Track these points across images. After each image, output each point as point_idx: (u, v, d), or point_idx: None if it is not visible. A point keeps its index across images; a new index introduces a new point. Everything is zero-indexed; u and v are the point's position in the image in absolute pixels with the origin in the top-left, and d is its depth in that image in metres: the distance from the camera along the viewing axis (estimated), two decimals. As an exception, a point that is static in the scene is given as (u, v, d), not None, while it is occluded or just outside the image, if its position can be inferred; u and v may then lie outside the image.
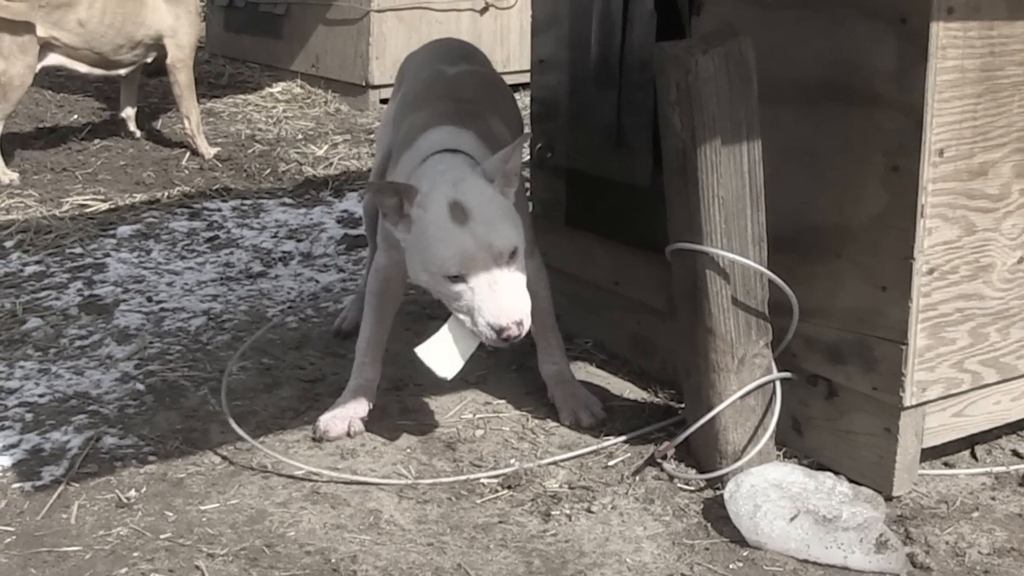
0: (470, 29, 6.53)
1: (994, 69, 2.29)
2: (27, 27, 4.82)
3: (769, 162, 2.39)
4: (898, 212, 2.29)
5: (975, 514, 2.38)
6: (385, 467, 2.55)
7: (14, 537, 2.27)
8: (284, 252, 4.07)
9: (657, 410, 2.80)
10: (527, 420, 2.78)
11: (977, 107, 2.29)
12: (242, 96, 6.54)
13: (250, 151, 5.49)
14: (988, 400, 2.49)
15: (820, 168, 2.43)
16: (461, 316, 2.39)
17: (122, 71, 5.35)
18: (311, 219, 4.46)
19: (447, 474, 2.52)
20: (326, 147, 5.59)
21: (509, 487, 2.45)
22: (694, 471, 2.49)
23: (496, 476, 2.49)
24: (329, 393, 2.85)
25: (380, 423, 2.73)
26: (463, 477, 2.50)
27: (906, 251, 2.28)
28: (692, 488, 2.46)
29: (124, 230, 4.25)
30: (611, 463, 2.56)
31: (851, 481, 2.36)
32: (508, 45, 6.77)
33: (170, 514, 2.35)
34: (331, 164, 5.31)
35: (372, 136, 5.73)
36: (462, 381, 2.94)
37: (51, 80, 6.36)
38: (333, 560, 2.19)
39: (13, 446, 2.63)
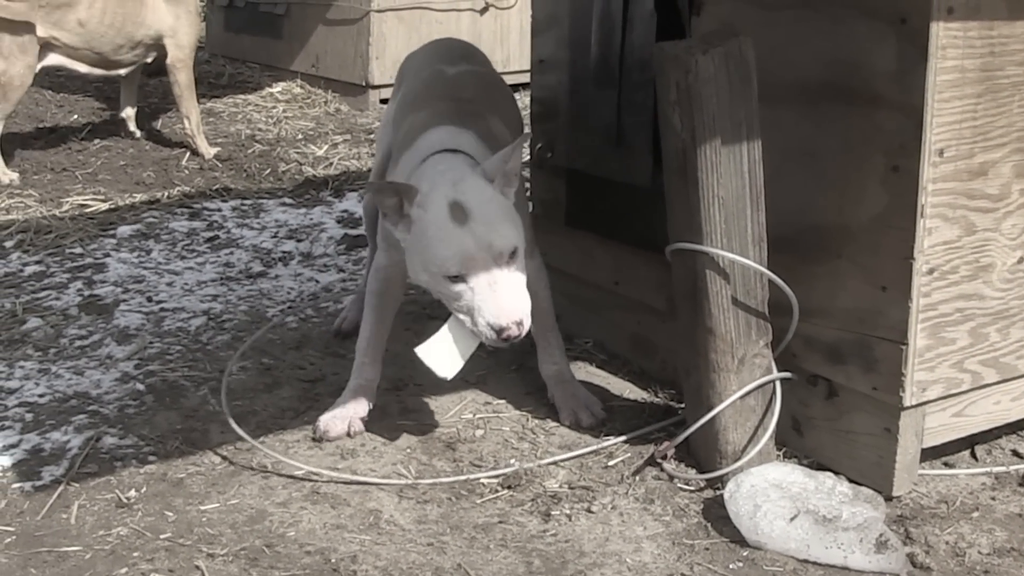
0: (470, 29, 6.53)
1: (994, 69, 2.29)
2: (27, 27, 4.82)
3: (769, 162, 2.39)
4: (898, 212, 2.29)
5: (975, 514, 2.38)
6: (385, 467, 2.55)
7: (14, 537, 2.27)
8: (284, 252, 4.07)
9: (657, 410, 2.80)
10: (527, 420, 2.78)
11: (977, 107, 2.29)
12: (242, 96, 6.54)
13: (250, 151, 5.49)
14: (988, 400, 2.49)
15: (820, 168, 2.43)
16: (461, 316, 2.39)
17: (122, 71, 5.35)
18: (311, 219, 4.46)
19: (447, 474, 2.52)
20: (326, 147, 5.59)
21: (509, 487, 2.45)
22: (694, 471, 2.49)
23: (496, 476, 2.49)
24: (329, 393, 2.85)
25: (380, 423, 2.73)
26: (463, 477, 2.50)
27: (906, 251, 2.28)
28: (692, 488, 2.46)
29: (124, 230, 4.25)
30: (611, 463, 2.56)
31: (851, 481, 2.36)
32: (508, 45, 6.77)
33: (170, 514, 2.35)
34: (331, 164, 5.31)
35: (372, 136, 5.73)
36: (462, 381, 2.94)
37: (51, 80, 6.36)
38: (333, 560, 2.19)
39: (13, 446, 2.63)
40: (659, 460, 2.52)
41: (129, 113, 5.66)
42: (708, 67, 2.29)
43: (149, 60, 5.37)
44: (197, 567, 2.16)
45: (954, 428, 2.46)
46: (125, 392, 2.91)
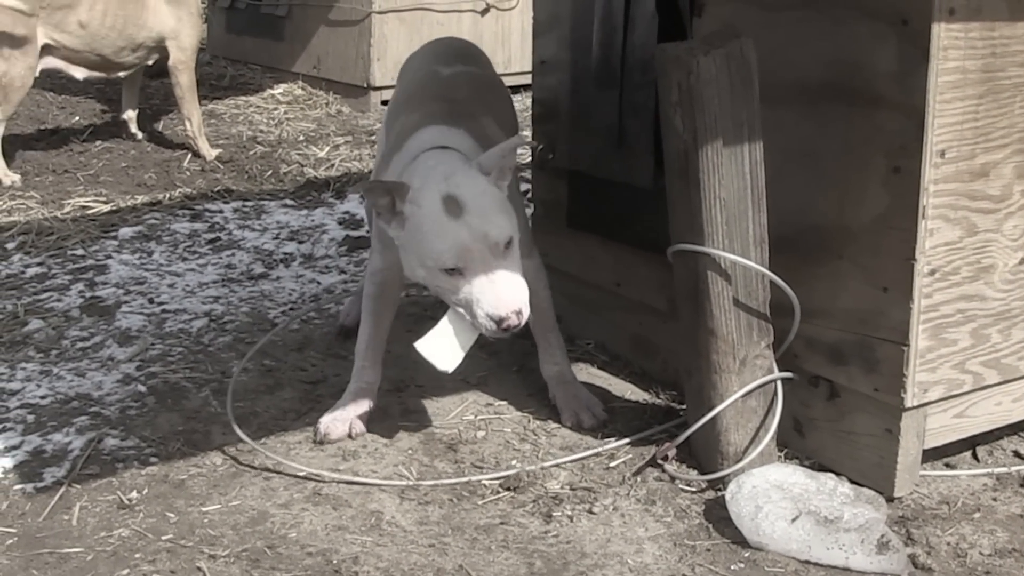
0: (471, 30, 6.52)
1: (995, 70, 2.29)
2: (28, 28, 4.82)
3: (770, 163, 2.39)
4: (899, 213, 2.29)
5: (976, 515, 2.38)
6: (386, 468, 2.55)
7: (16, 538, 2.27)
8: (286, 254, 4.07)
9: (658, 411, 2.80)
10: (528, 421, 2.78)
11: (978, 108, 2.29)
12: (243, 98, 6.54)
13: (251, 153, 5.49)
14: (989, 401, 2.49)
15: (821, 169, 2.43)
16: (459, 309, 2.39)
17: (122, 74, 5.35)
18: (312, 221, 4.46)
19: (448, 475, 2.52)
20: (327, 148, 5.59)
21: (510, 488, 2.45)
22: (695, 472, 2.49)
23: (498, 478, 2.49)
24: (331, 395, 2.85)
25: (381, 424, 2.73)
26: (465, 479, 2.50)
27: (907, 252, 2.28)
28: (693, 489, 2.46)
29: (126, 232, 4.25)
30: (612, 464, 2.56)
31: (852, 482, 2.36)
32: (509, 46, 6.76)
33: (172, 515, 2.35)
34: (332, 166, 5.31)
35: (373, 138, 5.73)
36: (463, 382, 2.94)
37: (52, 82, 6.36)
38: (335, 561, 2.19)
39: (15, 448, 2.63)
40: (660, 461, 2.52)
41: (131, 115, 5.66)
42: (710, 68, 2.29)
43: (151, 62, 5.38)
44: (199, 568, 2.16)
45: (955, 429, 2.46)
46: (127, 393, 2.91)
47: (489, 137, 2.67)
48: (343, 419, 2.67)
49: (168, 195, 4.77)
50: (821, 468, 2.47)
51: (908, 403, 2.34)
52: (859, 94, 2.33)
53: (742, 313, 2.40)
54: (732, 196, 2.34)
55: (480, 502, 2.42)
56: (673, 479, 2.49)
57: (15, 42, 4.78)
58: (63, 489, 2.44)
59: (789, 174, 2.47)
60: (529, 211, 3.34)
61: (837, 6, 2.36)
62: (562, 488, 2.46)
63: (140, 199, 4.72)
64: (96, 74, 5.25)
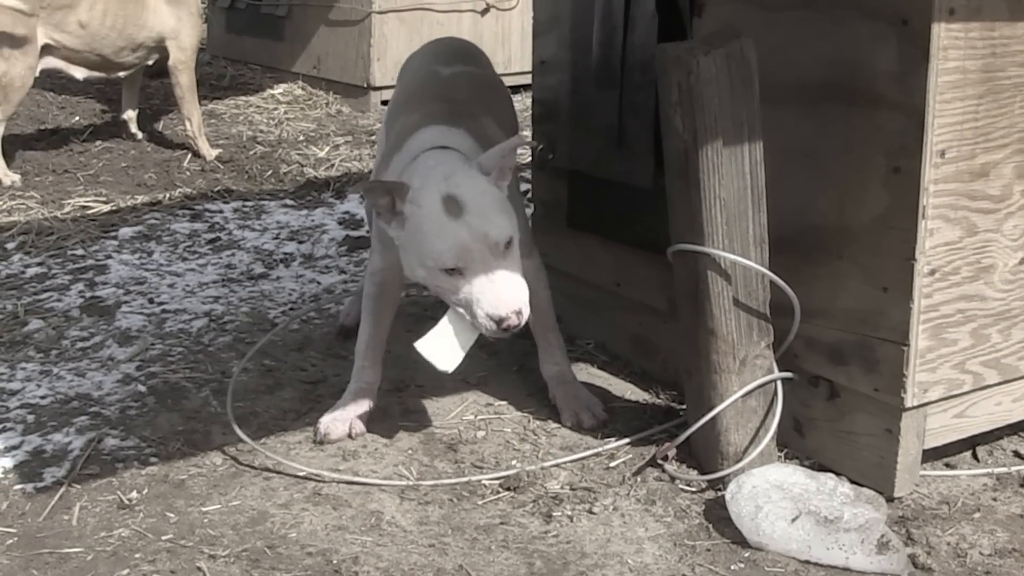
0: (471, 30, 6.52)
1: (995, 70, 2.29)
2: (28, 28, 4.82)
3: (770, 163, 2.39)
4: (899, 213, 2.29)
5: (976, 515, 2.38)
6: (386, 468, 2.55)
7: (16, 538, 2.27)
8: (286, 254, 4.07)
9: (659, 411, 2.80)
10: (528, 421, 2.78)
11: (978, 108, 2.29)
12: (243, 98, 6.54)
13: (251, 153, 5.50)
14: (989, 401, 2.49)
15: (821, 169, 2.43)
16: (459, 309, 2.39)
17: (122, 74, 5.35)
18: (312, 221, 4.46)
19: (448, 475, 2.52)
20: (327, 148, 5.59)
21: (510, 488, 2.45)
22: (695, 472, 2.49)
23: (498, 478, 2.49)
24: (331, 395, 2.85)
25: (381, 424, 2.73)
26: (465, 479, 2.50)
27: (907, 252, 2.28)
28: (693, 489, 2.46)
29: (126, 232, 4.26)
30: (612, 464, 2.56)
31: (852, 482, 2.36)
32: (509, 46, 6.76)
33: (172, 515, 2.35)
34: (332, 166, 5.31)
35: (373, 138, 5.73)
36: (463, 382, 2.94)
37: (52, 82, 6.36)
38: (335, 561, 2.19)
39: (15, 447, 2.64)
40: (660, 461, 2.52)
41: (131, 115, 5.66)
42: (710, 68, 2.29)
43: (151, 62, 5.38)
44: (199, 568, 2.16)
45: (955, 429, 2.46)
46: (127, 393, 2.91)
47: (489, 137, 2.67)
48: (343, 419, 2.67)
49: (168, 195, 4.77)
50: (821, 468, 2.47)
51: (908, 403, 2.34)
52: (859, 94, 2.33)
53: (742, 313, 2.40)
54: (732, 196, 2.34)
55: (480, 502, 2.42)
56: (673, 479, 2.49)
57: (15, 42, 4.78)
58: (63, 489, 2.45)
59: (789, 174, 2.47)
60: (529, 211, 3.34)
61: (837, 6, 2.36)
62: (562, 488, 2.46)
63: (140, 199, 4.72)
64: (96, 74, 5.25)
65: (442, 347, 2.45)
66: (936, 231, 2.28)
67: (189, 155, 5.37)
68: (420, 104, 2.73)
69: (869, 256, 2.35)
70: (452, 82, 2.85)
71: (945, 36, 2.20)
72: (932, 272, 2.30)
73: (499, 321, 2.32)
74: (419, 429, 2.73)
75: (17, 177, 4.91)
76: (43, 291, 3.66)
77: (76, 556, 2.21)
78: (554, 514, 2.36)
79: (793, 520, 2.21)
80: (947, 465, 2.57)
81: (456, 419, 2.79)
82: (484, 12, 6.68)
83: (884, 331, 2.34)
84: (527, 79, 3.69)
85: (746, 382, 2.41)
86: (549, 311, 2.82)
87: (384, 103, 6.21)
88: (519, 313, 2.33)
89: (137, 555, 2.21)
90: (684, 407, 2.66)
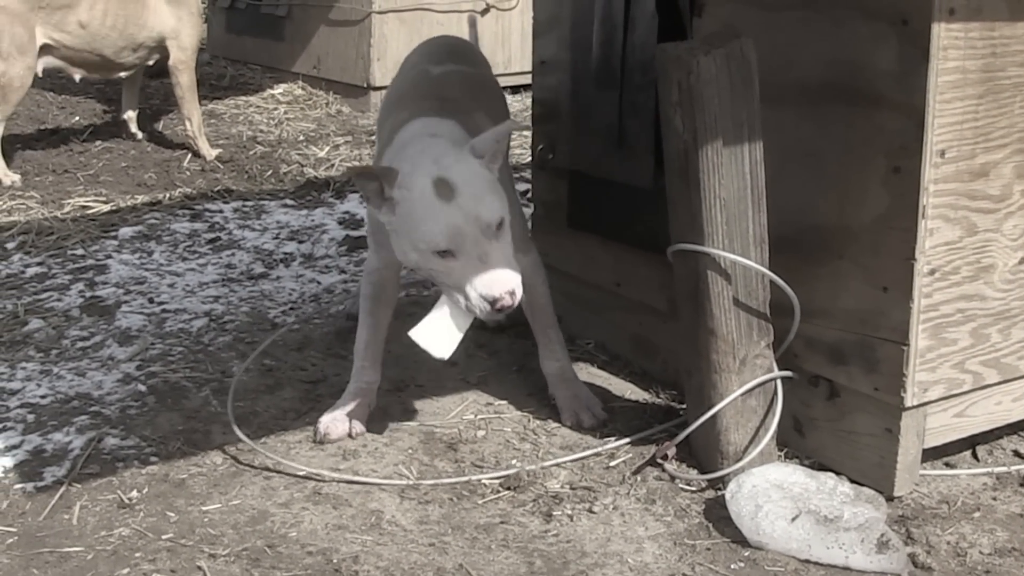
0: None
1: (995, 70, 2.29)
2: (27, 28, 4.82)
3: (771, 163, 2.39)
4: (900, 213, 2.29)
5: (976, 514, 2.38)
6: (387, 468, 2.55)
7: (16, 538, 2.27)
8: (286, 253, 4.07)
9: (659, 411, 2.81)
10: (528, 421, 2.78)
11: (978, 108, 2.29)
12: (244, 98, 6.54)
13: (251, 152, 5.50)
14: (989, 400, 2.49)
15: (821, 169, 2.43)
16: (453, 292, 2.38)
17: (123, 74, 5.35)
18: (312, 220, 4.46)
19: (448, 475, 2.52)
20: (327, 148, 5.59)
21: (510, 488, 2.45)
22: (695, 472, 2.49)
23: (498, 477, 2.49)
24: (331, 394, 2.85)
25: (381, 424, 2.73)
26: (465, 478, 2.50)
27: (907, 252, 2.28)
28: (693, 488, 2.46)
29: (126, 231, 4.26)
30: (612, 464, 2.56)
31: (852, 481, 2.37)
32: (509, 46, 6.77)
33: (172, 515, 2.35)
34: (332, 165, 5.31)
35: (373, 138, 5.73)
36: (463, 382, 2.95)
37: (52, 82, 6.36)
38: (335, 560, 2.19)
39: (15, 447, 2.64)
40: (660, 460, 2.52)
41: (131, 115, 5.66)
42: (710, 68, 2.29)
43: (151, 62, 5.38)
44: (199, 567, 2.16)
45: (955, 428, 2.47)
46: (127, 393, 2.91)
47: (481, 130, 2.67)
48: (343, 419, 2.67)
49: (168, 195, 4.77)
50: (821, 467, 2.47)
51: (908, 403, 2.34)
52: (859, 94, 2.33)
53: (742, 313, 2.40)
54: (732, 196, 2.34)
55: (480, 501, 2.42)
56: (673, 478, 2.49)
57: (14, 42, 4.78)
58: (63, 488, 2.45)
59: (789, 174, 2.47)
60: (529, 211, 3.34)
61: (837, 6, 2.36)
62: (562, 487, 2.46)
63: (140, 199, 4.72)
64: (95, 75, 5.25)
65: (437, 334, 2.43)
66: (936, 231, 2.28)
67: (189, 155, 5.37)
68: (411, 102, 2.73)
69: (869, 256, 2.36)
70: (443, 80, 2.85)
71: (945, 36, 2.20)
72: (932, 272, 2.30)
73: (493, 302, 2.31)
74: (419, 428, 2.73)
75: (17, 177, 4.91)
76: (43, 291, 3.66)
77: (76, 555, 2.21)
78: (554, 513, 2.36)
79: (793, 519, 2.22)
80: (947, 464, 2.57)
81: (456, 419, 2.79)
82: (484, 12, 6.68)
83: (884, 331, 2.34)
84: (527, 79, 3.69)
85: (746, 381, 2.42)
86: (548, 307, 2.82)
87: (384, 103, 6.21)
88: (512, 293, 2.32)
89: (137, 554, 2.21)
90: (684, 407, 2.66)
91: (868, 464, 2.43)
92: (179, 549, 2.22)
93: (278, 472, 2.52)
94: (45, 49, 4.94)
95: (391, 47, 6.34)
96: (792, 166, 2.47)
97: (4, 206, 4.55)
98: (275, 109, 6.36)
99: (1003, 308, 2.43)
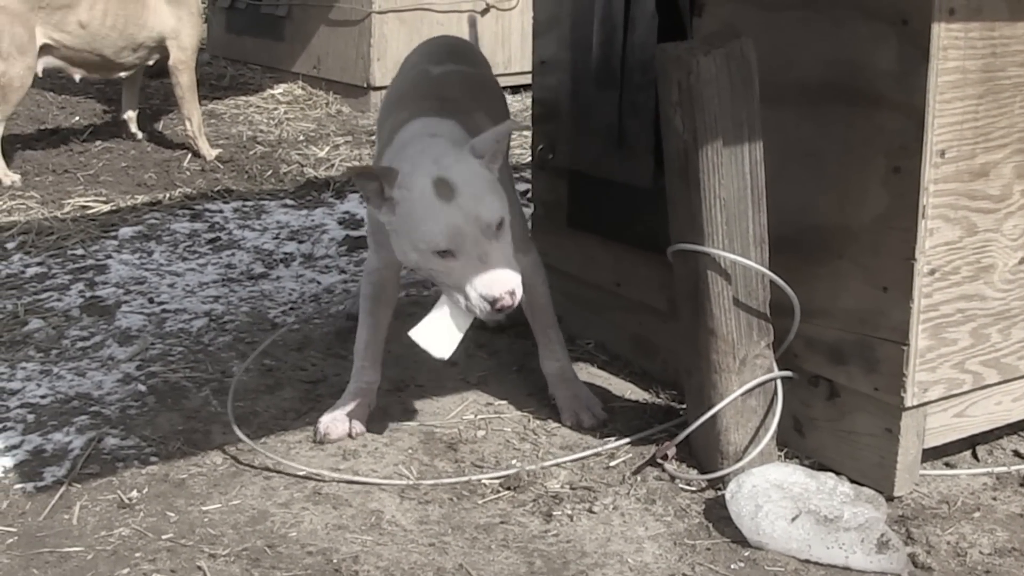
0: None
1: (995, 70, 2.29)
2: (27, 28, 4.82)
3: (771, 163, 2.39)
4: (900, 213, 2.29)
5: (976, 514, 2.38)
6: (387, 468, 2.55)
7: (16, 538, 2.27)
8: (286, 253, 4.07)
9: (659, 411, 2.81)
10: (528, 421, 2.78)
11: (978, 108, 2.29)
12: (244, 98, 6.54)
13: (251, 152, 5.50)
14: (989, 400, 2.49)
15: (821, 169, 2.43)
16: (453, 292, 2.38)
17: (123, 74, 5.35)
18: (312, 220, 4.46)
19: (449, 475, 2.52)
20: (327, 148, 5.59)
21: (510, 488, 2.45)
22: (695, 472, 2.49)
23: (498, 477, 2.49)
24: (331, 394, 2.85)
25: (381, 424, 2.73)
26: (465, 478, 2.50)
27: (907, 252, 2.28)
28: (693, 488, 2.46)
29: (126, 231, 4.26)
30: (612, 464, 2.56)
31: (852, 481, 2.37)
32: (509, 46, 6.77)
33: (172, 515, 2.35)
34: (332, 165, 5.31)
35: (373, 138, 5.73)
36: (463, 382, 2.95)
37: (52, 82, 6.36)
38: (335, 560, 2.19)
39: (15, 447, 2.64)
40: (660, 460, 2.52)
41: (131, 115, 5.66)
42: (710, 68, 2.29)
43: (151, 63, 5.38)
44: (199, 567, 2.16)
45: (955, 428, 2.47)
46: (127, 393, 2.91)
47: (481, 130, 2.67)
48: (343, 419, 2.67)
49: (168, 195, 4.77)
50: (821, 467, 2.47)
51: (908, 403, 2.34)
52: (859, 94, 2.33)
53: (742, 313, 2.40)
54: (732, 196, 2.34)
55: (480, 501, 2.42)
56: (673, 478, 2.49)
57: (14, 42, 4.78)
58: (63, 488, 2.45)
59: (789, 174, 2.47)
60: (529, 211, 3.34)
61: (837, 6, 2.36)
62: (562, 487, 2.46)
63: (140, 199, 4.72)
64: (95, 76, 5.25)
65: (437, 334, 2.42)
66: (936, 231, 2.28)
67: (189, 155, 5.37)
68: (411, 102, 2.73)
69: (869, 256, 2.36)
70: (442, 80, 2.85)
71: (945, 36, 2.20)
72: (932, 272, 2.30)
73: (493, 302, 2.31)
74: (419, 428, 2.73)
75: (17, 177, 4.91)
76: (43, 291, 3.66)
77: (76, 555, 2.21)
78: (554, 513, 2.36)
79: (793, 519, 2.22)
80: (947, 464, 2.57)
81: (456, 419, 2.79)
82: (484, 12, 6.68)
83: (884, 331, 2.34)
84: (527, 79, 3.69)
85: (746, 381, 2.42)
86: (548, 307, 2.82)
87: (385, 103, 6.20)
88: (512, 293, 2.32)
89: (137, 554, 2.21)
90: (684, 407, 2.66)
91: (868, 464, 2.43)
92: (179, 549, 2.22)
93: (278, 472, 2.52)
94: (45, 49, 4.94)
95: (391, 47, 6.34)
96: (792, 166, 2.47)
97: (4, 206, 4.55)
98: (275, 109, 6.36)
99: (1003, 308, 2.43)
